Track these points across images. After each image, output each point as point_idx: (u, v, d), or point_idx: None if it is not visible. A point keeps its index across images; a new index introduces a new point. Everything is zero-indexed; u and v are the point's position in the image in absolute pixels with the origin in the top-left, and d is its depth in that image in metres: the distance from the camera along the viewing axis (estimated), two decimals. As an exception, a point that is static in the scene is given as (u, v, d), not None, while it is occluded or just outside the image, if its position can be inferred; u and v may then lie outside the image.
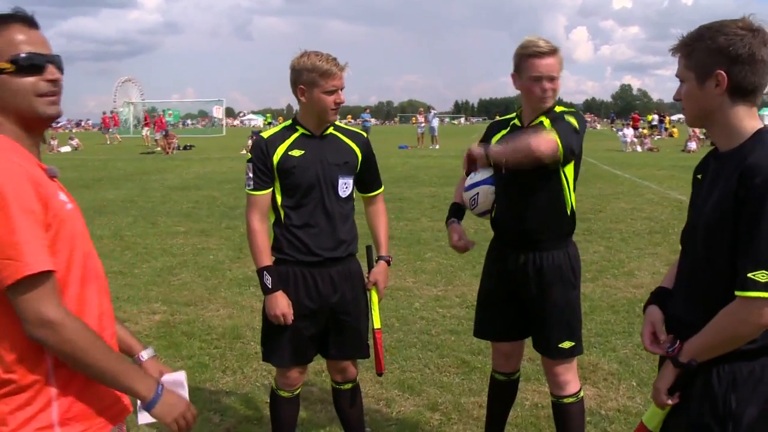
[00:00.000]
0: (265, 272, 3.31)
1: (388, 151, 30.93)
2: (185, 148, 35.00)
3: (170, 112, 62.69)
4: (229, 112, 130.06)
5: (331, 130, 3.44)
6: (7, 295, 1.72)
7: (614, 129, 54.27)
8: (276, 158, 3.31)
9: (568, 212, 3.39)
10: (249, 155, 3.39)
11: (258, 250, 3.34)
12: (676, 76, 2.17)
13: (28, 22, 1.88)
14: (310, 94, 3.28)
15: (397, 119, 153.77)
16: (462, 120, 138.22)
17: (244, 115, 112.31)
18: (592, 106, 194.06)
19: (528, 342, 3.66)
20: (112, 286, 7.24)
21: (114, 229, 11.03)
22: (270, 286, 3.30)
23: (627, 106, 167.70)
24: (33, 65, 1.84)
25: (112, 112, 49.69)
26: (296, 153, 3.32)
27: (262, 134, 3.45)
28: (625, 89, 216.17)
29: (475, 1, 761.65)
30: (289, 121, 3.48)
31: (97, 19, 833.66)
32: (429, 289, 7.36)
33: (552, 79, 3.27)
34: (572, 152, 3.14)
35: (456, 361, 5.24)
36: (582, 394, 3.58)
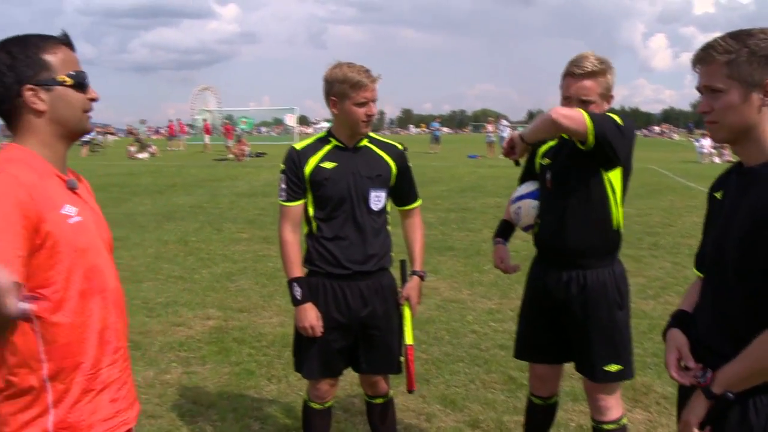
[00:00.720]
0: (294, 284, 3.32)
1: (456, 161, 30.84)
2: (257, 155, 35.63)
3: (244, 119, 63.93)
4: (303, 120, 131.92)
5: (365, 142, 3.42)
6: None
7: (692, 139, 52.57)
8: (308, 170, 3.32)
9: (614, 228, 3.26)
10: (282, 166, 3.40)
11: (289, 261, 3.35)
12: (705, 86, 2.00)
13: (71, 45, 2.02)
14: (341, 106, 3.27)
15: (468, 128, 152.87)
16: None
17: (318, 123, 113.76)
18: (670, 116, 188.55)
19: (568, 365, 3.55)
20: (171, 290, 7.55)
21: (180, 235, 11.29)
22: (299, 298, 3.31)
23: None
24: (82, 84, 1.99)
25: (177, 120, 50.73)
26: (328, 165, 3.32)
27: (294, 145, 3.46)
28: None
29: (550, 10, 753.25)
30: (324, 133, 3.48)
31: (179, 30, 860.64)
32: (483, 302, 7.25)
33: (584, 103, 3.10)
34: (604, 137, 2.95)
35: (503, 378, 5.14)
36: (625, 420, 3.42)
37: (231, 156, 34.31)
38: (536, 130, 3.11)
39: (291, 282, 3.34)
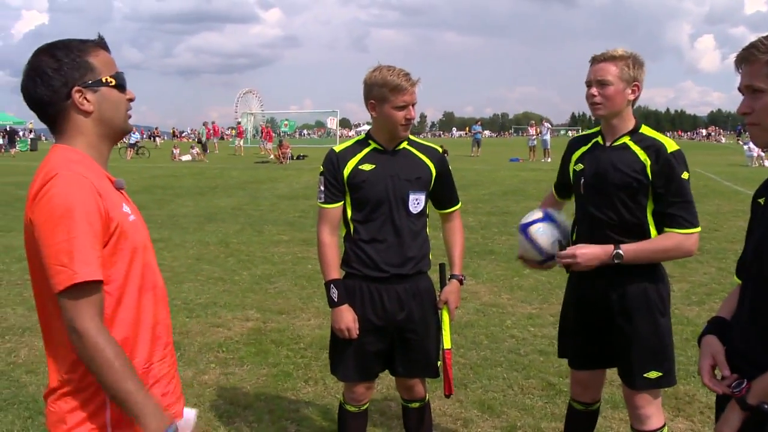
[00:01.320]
0: (332, 285, 3.32)
1: (498, 164, 30.66)
2: (298, 158, 35.90)
3: (286, 122, 64.48)
4: (345, 123, 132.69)
5: (404, 145, 3.40)
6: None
7: (740, 142, 51.45)
8: (346, 172, 3.31)
9: (652, 235, 3.19)
10: (321, 168, 3.41)
11: (326, 263, 3.35)
12: (747, 86, 1.93)
13: (107, 47, 2.08)
14: (380, 109, 3.25)
15: (511, 131, 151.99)
16: (578, 131, 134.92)
17: (359, 126, 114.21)
18: (717, 119, 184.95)
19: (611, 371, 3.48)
20: (211, 292, 7.64)
21: (221, 236, 11.41)
22: (336, 300, 3.31)
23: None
24: (123, 84, 2.05)
25: (212, 123, 51.22)
26: (367, 167, 3.31)
27: (334, 148, 3.45)
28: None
29: (592, 12, 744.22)
30: (363, 136, 3.46)
31: (222, 34, 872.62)
32: (523, 307, 7.18)
33: (602, 84, 3.11)
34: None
35: (541, 383, 5.07)
36: (666, 430, 3.34)
37: (272, 158, 34.61)
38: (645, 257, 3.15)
39: (328, 284, 3.35)
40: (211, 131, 48.79)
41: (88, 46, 2.01)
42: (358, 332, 3.31)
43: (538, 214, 3.34)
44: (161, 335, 2.09)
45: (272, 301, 7.41)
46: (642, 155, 3.12)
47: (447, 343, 3.49)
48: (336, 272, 3.36)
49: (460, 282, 3.54)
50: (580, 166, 3.33)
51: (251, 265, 9.21)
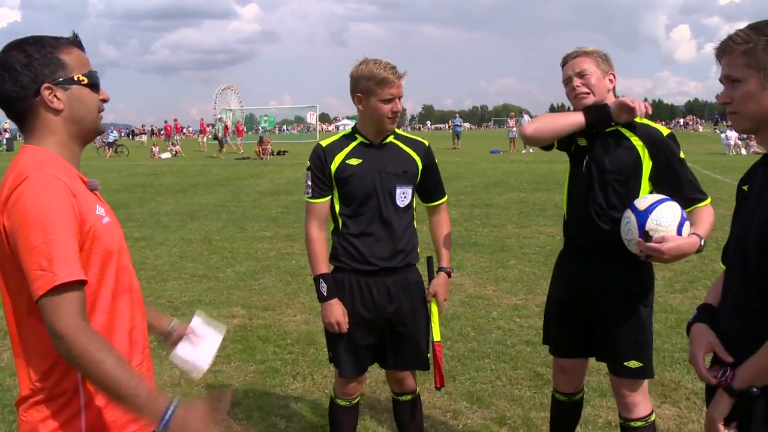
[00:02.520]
0: (321, 280, 3.31)
1: (479, 156, 30.72)
2: (279, 153, 35.77)
3: (265, 118, 64.14)
4: (325, 118, 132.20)
5: (391, 138, 3.40)
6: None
7: (717, 131, 51.95)
8: (334, 166, 3.30)
9: None
10: (308, 163, 3.39)
11: (315, 258, 3.34)
12: (726, 77, 1.99)
13: (81, 46, 2.02)
14: (367, 103, 3.24)
15: (490, 123, 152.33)
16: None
17: (339, 120, 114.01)
18: (694, 108, 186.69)
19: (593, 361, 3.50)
20: (195, 290, 7.58)
21: (204, 233, 11.35)
22: (325, 294, 3.30)
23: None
24: (96, 84, 1.99)
25: (174, 120, 50.43)
26: (354, 161, 3.30)
27: (321, 142, 3.44)
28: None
29: (571, 3, 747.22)
30: (349, 130, 3.45)
31: (200, 31, 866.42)
32: (509, 298, 7.21)
33: (582, 75, 3.17)
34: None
35: (529, 374, 5.10)
36: (653, 418, 3.36)
37: (242, 152, 34.39)
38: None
39: (317, 278, 3.34)
40: (173, 129, 47.72)
41: (61, 43, 1.95)
42: (347, 326, 3.31)
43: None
44: (138, 340, 2.04)
45: (257, 298, 7.38)
46: (637, 142, 3.15)
47: (437, 335, 3.50)
48: (325, 267, 3.35)
49: (448, 274, 3.55)
50: (584, 141, 3.26)
51: (235, 262, 9.17)
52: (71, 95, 1.94)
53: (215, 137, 38.68)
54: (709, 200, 3.15)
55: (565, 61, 3.25)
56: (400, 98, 3.26)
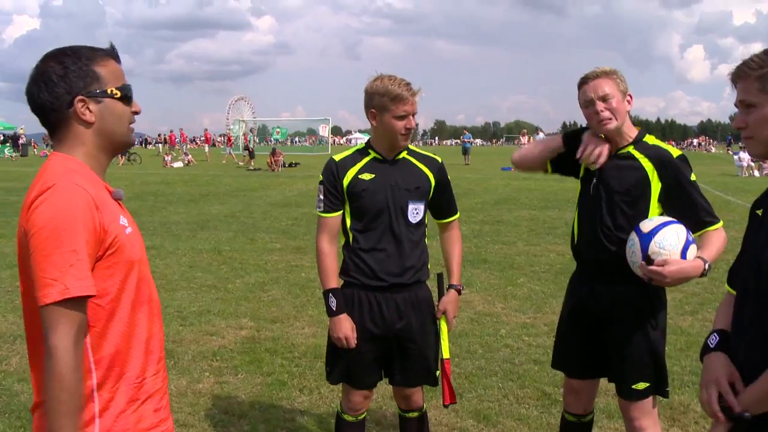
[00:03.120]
0: (330, 294, 3.31)
1: (490, 173, 30.69)
2: (290, 165, 35.86)
3: (278, 129, 64.45)
4: (337, 131, 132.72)
5: (404, 154, 3.40)
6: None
7: (730, 152, 51.73)
8: (346, 181, 3.31)
9: None
10: (320, 177, 3.40)
11: (325, 272, 3.34)
12: (741, 102, 1.99)
13: (117, 57, 2.05)
14: (381, 119, 3.25)
15: (501, 140, 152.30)
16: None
17: (351, 134, 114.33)
18: (707, 128, 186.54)
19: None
20: (204, 300, 7.59)
21: (214, 244, 11.37)
22: (335, 309, 3.30)
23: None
24: (129, 96, 2.02)
25: (180, 130, 50.16)
26: (366, 176, 3.31)
27: (334, 157, 3.45)
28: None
29: (584, 21, 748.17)
30: (362, 145, 3.46)
31: (214, 41, 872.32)
32: (517, 316, 7.17)
33: (605, 98, 3.12)
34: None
35: (537, 393, 5.06)
36: None
37: (241, 164, 34.47)
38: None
39: (326, 293, 3.34)
40: (177, 138, 47.33)
41: (98, 54, 1.98)
42: (356, 341, 3.30)
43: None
44: (154, 349, 2.04)
45: (266, 310, 7.38)
46: (646, 164, 3.14)
47: (446, 353, 3.49)
48: (335, 281, 3.35)
49: (458, 292, 3.54)
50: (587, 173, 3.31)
51: (244, 273, 9.18)
52: (104, 108, 1.96)
53: (246, 147, 38.66)
54: (720, 224, 3.13)
55: (585, 82, 3.19)
56: (414, 115, 3.27)
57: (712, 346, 2.16)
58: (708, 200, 3.18)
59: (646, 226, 2.98)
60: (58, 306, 1.72)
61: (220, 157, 45.79)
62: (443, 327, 3.50)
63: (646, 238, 2.93)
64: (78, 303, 1.75)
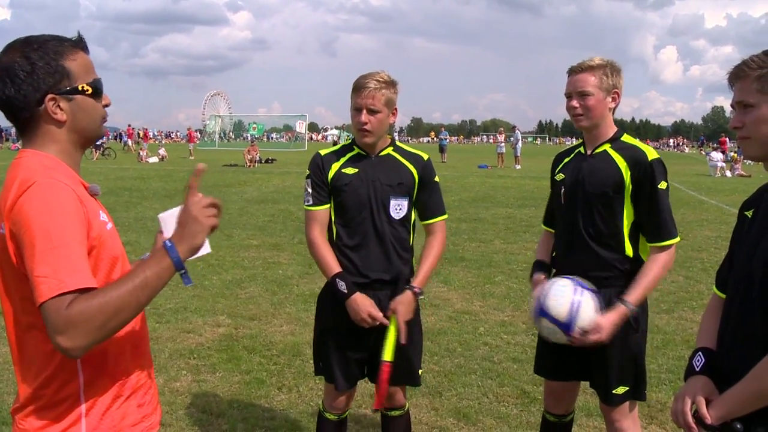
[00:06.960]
0: (337, 279, 3.23)
1: (467, 170, 30.77)
2: (266, 161, 35.67)
3: (254, 125, 64.05)
4: (313, 127, 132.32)
5: (389, 150, 3.37)
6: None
7: (703, 153, 52.42)
8: (331, 174, 3.29)
9: (628, 252, 3.17)
10: (307, 171, 3.36)
11: (324, 261, 3.28)
12: (738, 102, 1.99)
13: (87, 48, 1.97)
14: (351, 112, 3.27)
15: (477, 138, 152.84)
16: (545, 139, 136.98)
17: (327, 130, 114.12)
18: (680, 128, 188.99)
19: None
20: (181, 297, 7.50)
21: (190, 240, 11.22)
22: (346, 291, 3.21)
23: (719, 129, 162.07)
24: (100, 90, 1.95)
25: (145, 129, 49.46)
26: (349, 171, 3.29)
27: (320, 151, 3.43)
28: (717, 111, 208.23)
29: (561, 21, 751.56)
30: (348, 141, 3.45)
31: (190, 36, 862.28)
32: (496, 314, 7.19)
33: (582, 95, 3.12)
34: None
35: (516, 391, 5.07)
36: None
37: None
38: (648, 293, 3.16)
39: (333, 279, 3.24)
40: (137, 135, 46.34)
41: (66, 47, 1.87)
42: (382, 315, 3.23)
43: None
44: (139, 345, 2.02)
45: (243, 307, 7.32)
46: (621, 163, 3.12)
47: (387, 355, 3.21)
48: (337, 266, 3.26)
49: (415, 294, 3.33)
50: (561, 175, 3.33)
51: (221, 270, 9.10)
52: (75, 105, 1.88)
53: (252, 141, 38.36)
54: (674, 241, 3.13)
55: (571, 72, 3.19)
56: (370, 110, 3.19)
57: (697, 369, 2.14)
58: (671, 212, 3.15)
59: (558, 311, 3.03)
60: (57, 301, 1.63)
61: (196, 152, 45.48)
62: (391, 328, 3.25)
63: (567, 327, 3.03)
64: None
